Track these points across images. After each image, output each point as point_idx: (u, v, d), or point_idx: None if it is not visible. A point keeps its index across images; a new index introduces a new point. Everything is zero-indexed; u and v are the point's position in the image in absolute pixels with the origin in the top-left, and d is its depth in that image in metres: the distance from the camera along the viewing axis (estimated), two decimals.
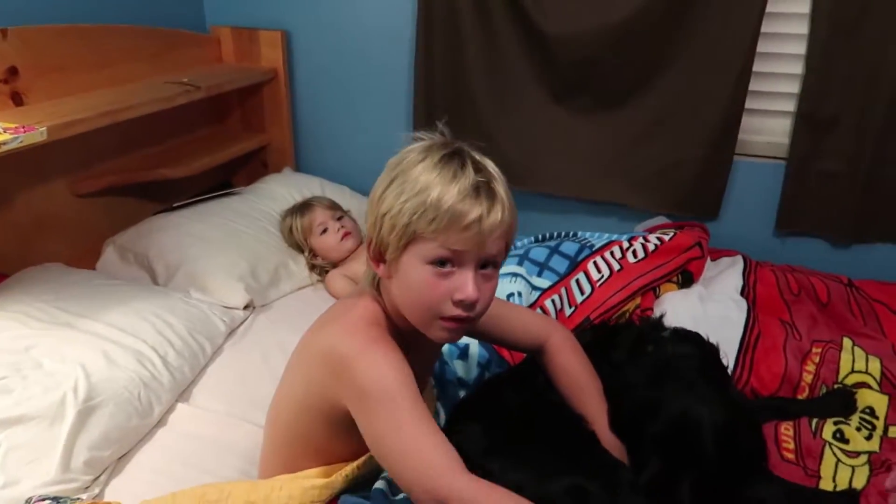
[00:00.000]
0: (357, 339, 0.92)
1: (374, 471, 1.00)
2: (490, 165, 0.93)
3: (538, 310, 1.55)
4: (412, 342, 1.00)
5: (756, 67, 1.80)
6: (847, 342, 1.44)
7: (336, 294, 1.84)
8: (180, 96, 1.90)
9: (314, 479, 0.96)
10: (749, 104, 1.85)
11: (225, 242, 1.84)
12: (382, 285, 0.98)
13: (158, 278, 1.79)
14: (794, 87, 1.86)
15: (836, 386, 1.35)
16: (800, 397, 1.34)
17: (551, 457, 1.01)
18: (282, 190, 2.17)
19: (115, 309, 1.47)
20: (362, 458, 1.00)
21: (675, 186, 1.95)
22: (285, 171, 2.34)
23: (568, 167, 2.05)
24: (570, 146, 2.05)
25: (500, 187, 0.92)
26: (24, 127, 1.41)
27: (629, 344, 1.17)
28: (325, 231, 1.92)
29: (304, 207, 1.97)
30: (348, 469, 0.98)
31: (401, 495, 0.90)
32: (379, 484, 0.92)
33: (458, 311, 0.91)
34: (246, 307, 1.71)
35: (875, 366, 1.35)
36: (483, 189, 0.89)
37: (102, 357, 1.32)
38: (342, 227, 1.94)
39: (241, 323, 1.68)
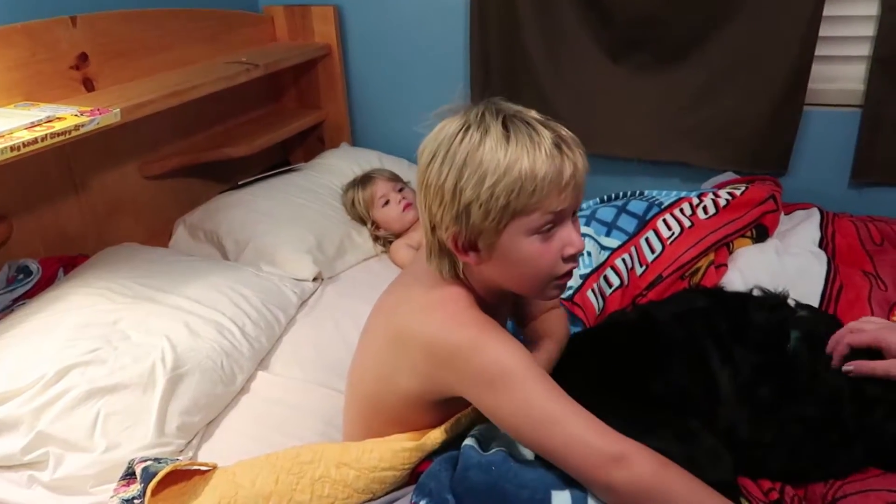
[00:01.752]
0: (468, 329, 0.90)
1: (461, 433, 1.00)
2: (536, 113, 0.91)
3: (608, 269, 1.53)
4: (495, 312, 1.00)
5: (826, 11, 1.73)
6: None
7: (401, 263, 1.85)
8: (240, 75, 1.93)
9: (404, 443, 0.97)
10: (819, 51, 1.77)
11: (291, 217, 1.87)
12: (468, 270, 0.95)
13: (229, 254, 1.83)
14: (869, 30, 1.77)
15: None
16: None
17: (629, 422, 1.00)
18: (341, 164, 2.19)
19: (192, 283, 1.51)
20: (449, 422, 1.00)
21: (742, 142, 1.89)
22: (342, 146, 2.36)
23: (629, 127, 2.01)
24: (630, 106, 2.00)
25: (564, 130, 0.90)
26: (98, 110, 1.45)
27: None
28: (386, 203, 1.93)
29: (365, 180, 1.98)
30: (436, 433, 0.99)
31: (493, 450, 0.91)
32: (468, 441, 0.93)
33: (569, 266, 0.92)
34: (315, 279, 1.74)
35: None
36: (562, 142, 0.88)
37: (185, 328, 1.36)
38: (403, 198, 1.94)
39: (312, 294, 1.71)
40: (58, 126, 1.34)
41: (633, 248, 1.59)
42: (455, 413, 1.00)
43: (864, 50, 1.80)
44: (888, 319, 1.35)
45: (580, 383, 1.03)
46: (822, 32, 1.75)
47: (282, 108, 2.47)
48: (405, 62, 2.29)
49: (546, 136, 0.87)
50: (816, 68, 1.79)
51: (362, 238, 1.94)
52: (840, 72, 1.86)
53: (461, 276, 0.97)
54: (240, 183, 2.02)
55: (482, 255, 0.92)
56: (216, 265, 1.67)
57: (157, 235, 1.94)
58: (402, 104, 2.35)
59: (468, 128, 0.87)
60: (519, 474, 0.86)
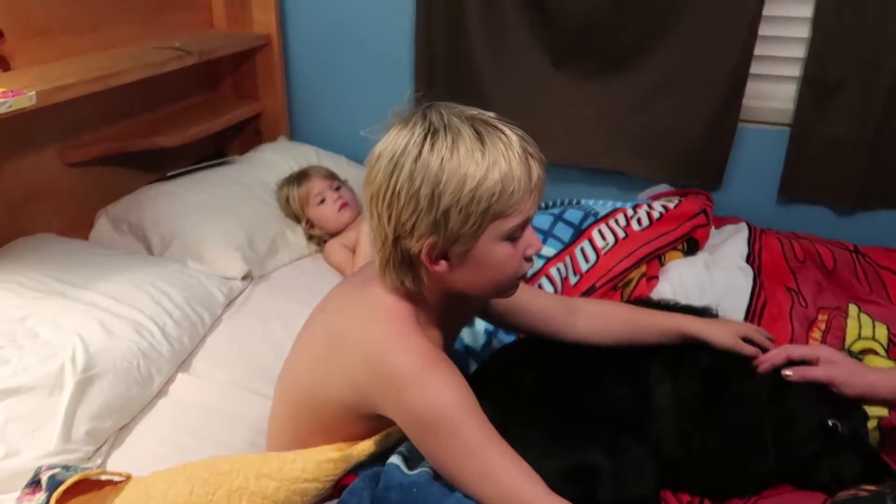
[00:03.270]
0: (411, 356, 0.88)
1: (389, 447, 0.98)
2: (493, 115, 0.91)
3: (543, 278, 1.53)
4: (446, 317, 0.98)
5: (760, 31, 1.77)
6: (853, 309, 1.43)
7: (335, 264, 1.81)
8: (172, 61, 1.85)
9: (329, 453, 0.94)
10: (753, 69, 1.82)
11: (221, 212, 1.80)
12: (429, 280, 0.92)
13: (154, 248, 1.75)
14: (800, 52, 1.82)
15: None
16: None
17: (559, 436, 1.00)
18: (277, 159, 2.12)
19: (110, 279, 1.44)
20: (379, 435, 0.98)
21: (678, 154, 1.92)
22: (280, 140, 2.30)
23: (568, 134, 2.01)
24: (571, 113, 2.01)
25: (523, 132, 0.90)
26: (12, 91, 1.36)
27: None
28: (322, 201, 1.89)
29: (300, 177, 1.93)
30: (365, 444, 0.96)
31: (417, 470, 0.89)
32: (394, 459, 0.90)
33: (527, 266, 0.94)
34: (244, 278, 1.68)
35: (882, 332, 1.35)
36: (528, 145, 0.88)
37: (100, 327, 1.29)
38: (340, 197, 1.90)
39: (240, 293, 1.65)
40: None
41: (567, 258, 1.59)
42: (386, 426, 0.98)
43: (795, 71, 1.85)
44: (807, 335, 1.39)
45: (514, 396, 1.03)
46: (756, 51, 1.79)
47: (217, 98, 2.38)
48: (348, 57, 2.24)
49: (514, 139, 0.86)
50: (750, 86, 1.84)
51: (296, 236, 1.89)
52: (771, 91, 1.91)
53: (414, 288, 0.93)
54: (169, 175, 1.93)
55: (452, 262, 0.90)
56: (138, 260, 1.59)
57: (77, 227, 1.84)
58: (344, 100, 2.30)
59: (435, 132, 0.85)
60: (440, 500, 0.84)
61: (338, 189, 1.92)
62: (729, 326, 1.17)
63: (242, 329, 1.53)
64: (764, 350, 1.13)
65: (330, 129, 2.35)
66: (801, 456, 1.01)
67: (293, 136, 2.39)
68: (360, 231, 1.79)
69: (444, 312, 0.99)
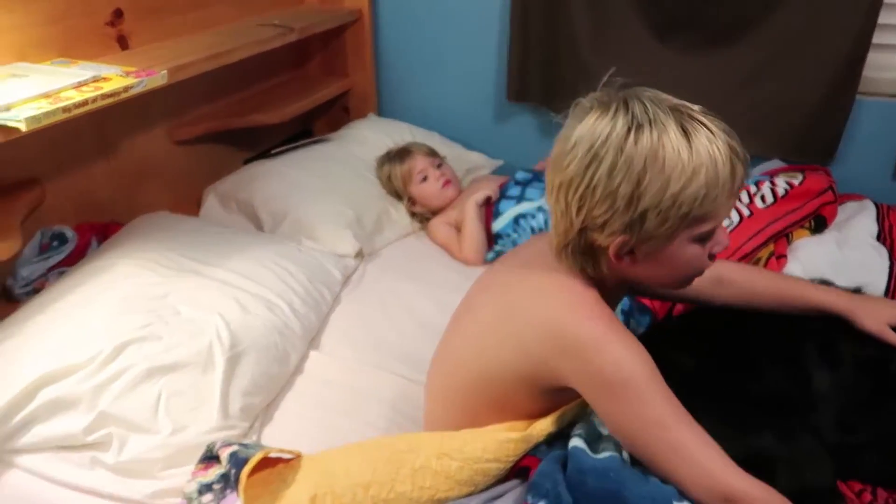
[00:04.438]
0: (595, 322, 0.86)
1: (567, 426, 0.97)
2: (698, 107, 0.86)
3: None
4: (612, 295, 0.97)
5: None
6: None
7: (442, 243, 1.79)
8: (275, 39, 1.84)
9: (509, 433, 0.93)
10: (876, 38, 1.74)
11: (328, 190, 1.80)
12: (608, 268, 0.90)
13: (264, 226, 1.76)
14: None
15: None
16: None
17: (730, 421, 0.98)
18: (371, 136, 2.11)
19: (236, 256, 1.45)
20: (557, 414, 0.97)
21: (790, 129, 1.85)
22: (370, 117, 2.29)
23: None
24: (676, 87, 1.91)
25: (725, 126, 0.86)
26: (145, 71, 1.37)
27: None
28: (425, 179, 1.87)
29: (402, 154, 1.91)
30: (544, 423, 0.95)
31: (606, 454, 0.87)
32: (576, 442, 0.89)
33: (711, 263, 0.91)
34: (356, 255, 1.68)
35: None
36: (733, 142, 0.85)
37: (236, 304, 1.31)
38: (443, 174, 1.88)
39: (354, 271, 1.65)
40: (106, 87, 1.26)
41: None
42: (562, 403, 0.97)
43: None
44: None
45: (676, 379, 1.00)
46: (880, 20, 1.71)
47: (306, 75, 2.38)
48: (438, 32, 2.21)
49: (720, 136, 0.83)
50: (871, 56, 1.76)
51: (399, 214, 1.89)
52: (892, 61, 1.83)
53: (592, 273, 0.92)
54: (273, 152, 1.94)
55: (637, 258, 0.88)
56: (256, 238, 1.61)
57: (184, 203, 1.86)
58: (434, 76, 2.27)
59: (640, 126, 0.80)
60: (638, 483, 0.83)
61: (440, 166, 1.91)
62: (882, 309, 1.10)
63: (362, 307, 1.53)
64: None
65: (418, 107, 2.33)
66: None
67: (381, 114, 2.37)
68: (465, 209, 1.77)
69: (613, 292, 0.97)
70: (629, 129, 0.80)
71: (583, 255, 0.90)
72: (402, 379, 1.32)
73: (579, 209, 0.84)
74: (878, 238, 1.54)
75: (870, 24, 1.71)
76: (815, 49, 1.77)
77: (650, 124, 0.80)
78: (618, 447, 0.89)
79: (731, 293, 1.14)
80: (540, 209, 1.72)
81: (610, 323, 0.87)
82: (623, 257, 0.88)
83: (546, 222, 1.72)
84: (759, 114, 1.88)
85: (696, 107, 0.85)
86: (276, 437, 1.18)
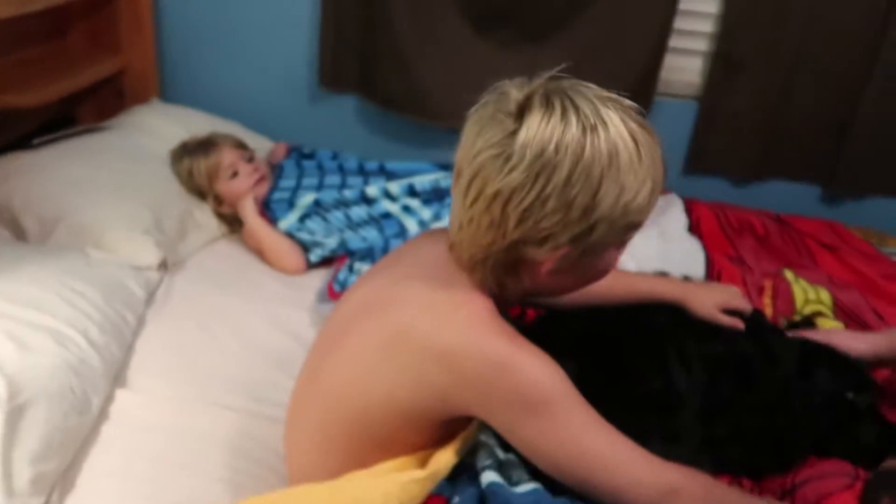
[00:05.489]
0: (500, 340, 0.77)
1: (467, 456, 0.86)
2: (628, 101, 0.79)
3: None
4: (504, 308, 0.88)
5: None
6: (789, 274, 1.52)
7: (262, 249, 1.57)
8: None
9: (413, 473, 0.80)
10: (671, 42, 1.87)
11: (115, 188, 1.50)
12: (528, 281, 0.82)
13: (28, 235, 1.42)
14: (710, 27, 1.91)
15: (795, 317, 1.43)
16: None
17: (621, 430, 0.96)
18: (160, 124, 1.82)
19: (3, 278, 1.13)
20: (457, 443, 0.85)
21: None
22: (153, 103, 1.97)
23: None
24: (491, 81, 1.93)
25: None
26: None
27: None
28: (235, 174, 1.64)
29: (206, 146, 1.65)
30: (446, 456, 0.83)
31: (528, 486, 0.78)
32: (491, 476, 0.79)
33: None
34: (160, 267, 1.41)
35: (825, 295, 1.45)
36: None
37: (10, 341, 1.00)
38: (256, 169, 1.67)
39: (158, 286, 1.39)
40: None
41: None
42: (456, 431, 0.86)
43: (703, 45, 1.94)
44: (759, 300, 1.47)
45: None
46: (675, 25, 1.84)
47: (67, 50, 1.97)
48: (237, 3, 1.95)
49: (654, 135, 0.78)
50: (667, 59, 1.89)
51: (205, 215, 1.64)
52: (681, 63, 1.98)
53: (501, 286, 0.83)
54: (35, 142, 1.57)
55: (561, 268, 0.79)
56: (27, 251, 1.28)
57: None
58: (231, 55, 2.01)
59: (594, 129, 0.72)
60: None
61: (251, 160, 1.69)
62: (710, 294, 1.17)
63: (174, 330, 1.29)
64: (744, 317, 1.16)
65: (212, 92, 2.05)
66: (822, 427, 1.05)
67: (165, 99, 2.05)
68: (244, 215, 1.58)
69: (508, 302, 0.89)
70: (584, 133, 0.72)
71: (503, 269, 0.80)
72: (237, 413, 1.11)
73: (520, 221, 0.75)
74: (689, 230, 1.65)
75: (666, 28, 1.83)
76: (621, 48, 1.86)
77: (603, 126, 0.73)
78: (529, 471, 0.82)
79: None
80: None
81: (514, 337, 0.79)
82: (558, 271, 0.79)
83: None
84: None
85: (628, 102, 0.78)
86: None
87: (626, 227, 0.77)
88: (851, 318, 1.40)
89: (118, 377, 1.15)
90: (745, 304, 1.18)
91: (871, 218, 1.92)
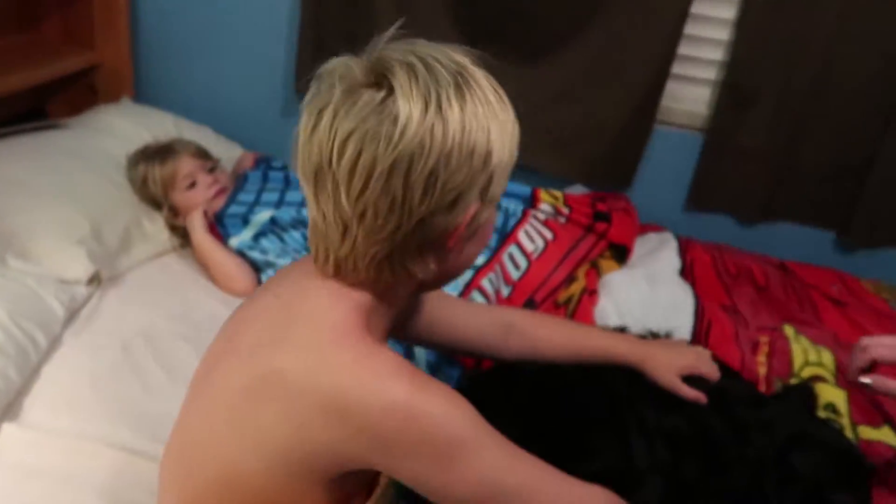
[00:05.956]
0: (396, 381, 0.66)
1: None
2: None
3: (474, 292, 1.32)
4: (397, 320, 0.83)
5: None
6: (789, 330, 1.37)
7: (213, 266, 1.44)
8: None
9: None
10: (674, 68, 1.73)
11: (55, 192, 1.39)
12: (436, 263, 0.74)
13: None
14: (719, 55, 1.76)
15: (791, 380, 1.27)
16: None
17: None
18: (124, 125, 1.72)
19: None
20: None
21: (593, 152, 1.80)
22: (123, 102, 1.87)
23: None
24: None
25: None
26: None
27: None
28: (192, 185, 1.52)
29: (164, 153, 1.54)
30: None
31: None
32: None
33: None
34: (90, 281, 1.29)
35: (827, 357, 1.30)
36: None
37: None
38: (216, 180, 1.55)
39: (85, 303, 1.26)
40: None
41: (497, 266, 1.40)
42: (357, 488, 0.77)
43: (711, 74, 1.79)
44: (754, 358, 1.31)
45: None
46: (679, 50, 1.71)
47: (39, 40, 1.89)
48: (216, 3, 1.85)
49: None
50: (669, 86, 1.75)
51: (155, 226, 1.51)
52: (687, 92, 1.84)
53: (394, 283, 0.74)
54: None
55: (468, 234, 0.73)
56: None
57: None
58: (208, 57, 1.92)
59: (464, 79, 0.68)
60: None
61: (212, 170, 1.57)
62: (673, 358, 1.04)
63: (92, 354, 1.16)
64: (709, 386, 1.02)
65: (187, 94, 1.96)
66: None
67: (139, 99, 1.95)
68: (191, 229, 1.47)
69: (392, 319, 0.81)
70: (457, 78, 0.67)
71: (410, 258, 0.71)
72: (143, 459, 0.98)
73: (427, 188, 0.66)
74: (682, 273, 1.50)
75: (670, 52, 1.70)
76: (620, 73, 1.73)
77: (467, 72, 0.69)
78: None
79: (521, 343, 1.05)
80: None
81: (412, 374, 0.68)
82: (465, 239, 0.73)
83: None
84: (563, 135, 1.80)
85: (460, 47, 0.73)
86: None
87: (509, 170, 0.73)
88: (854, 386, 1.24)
89: (11, 408, 1.02)
90: (712, 371, 1.05)
91: (887, 271, 1.76)
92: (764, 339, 1.35)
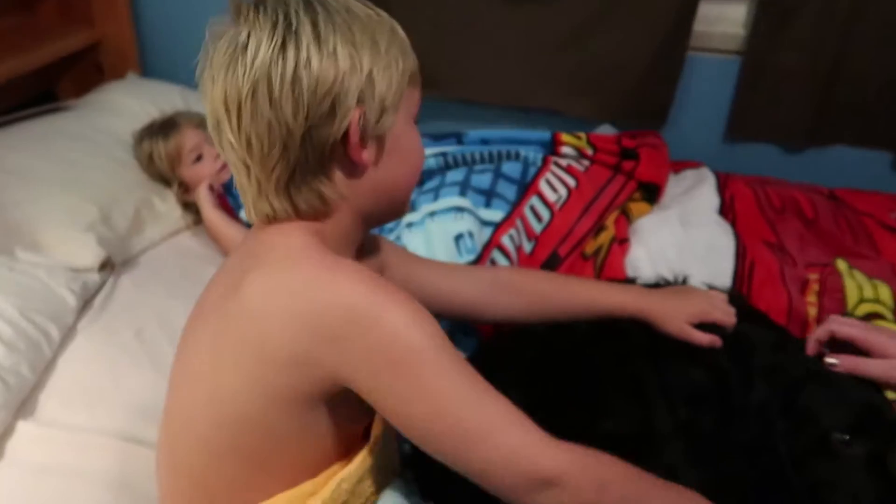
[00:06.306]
0: (358, 284, 0.65)
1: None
2: None
3: (495, 250, 1.25)
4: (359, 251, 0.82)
5: None
6: (841, 264, 1.26)
7: (223, 241, 1.40)
8: None
9: (342, 484, 0.72)
10: None
11: (60, 179, 1.35)
12: (345, 187, 0.72)
13: None
14: None
15: None
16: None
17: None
18: (130, 102, 1.67)
19: None
20: (355, 465, 0.74)
21: (622, 89, 1.68)
22: (129, 78, 1.82)
23: (495, 68, 1.72)
24: (498, 43, 1.71)
25: None
26: None
27: None
28: (198, 158, 1.47)
29: (167, 128, 1.49)
30: (345, 473, 0.73)
31: None
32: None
33: None
34: (102, 268, 1.26)
35: (885, 292, 1.19)
36: None
37: None
38: None
39: (98, 291, 1.23)
40: None
41: (518, 220, 1.31)
42: (347, 428, 0.75)
43: None
44: (802, 298, 1.22)
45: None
46: None
47: (36, 22, 1.85)
48: None
49: None
50: (702, 8, 1.61)
51: (168, 204, 1.48)
52: (721, 13, 1.69)
53: (322, 209, 0.72)
54: None
55: (373, 150, 0.72)
56: None
57: None
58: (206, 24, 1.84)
59: (307, 3, 0.68)
60: None
61: None
62: (681, 306, 0.97)
63: (107, 344, 1.13)
64: (725, 332, 0.94)
65: (193, 65, 1.89)
66: (817, 475, 0.82)
67: (146, 73, 1.91)
68: (200, 204, 1.42)
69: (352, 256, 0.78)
70: (307, 2, 0.68)
71: (312, 176, 0.70)
72: (152, 448, 0.95)
73: (296, 99, 0.66)
74: (720, 211, 1.39)
75: None
76: (644, 1, 1.59)
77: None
78: None
79: (514, 301, 1.00)
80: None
81: (374, 280, 0.67)
82: (366, 148, 0.71)
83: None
84: (588, 73, 1.69)
85: None
86: None
87: (403, 75, 0.71)
88: None
89: (26, 404, 1.00)
90: (727, 316, 0.96)
91: None
92: (814, 276, 1.25)
